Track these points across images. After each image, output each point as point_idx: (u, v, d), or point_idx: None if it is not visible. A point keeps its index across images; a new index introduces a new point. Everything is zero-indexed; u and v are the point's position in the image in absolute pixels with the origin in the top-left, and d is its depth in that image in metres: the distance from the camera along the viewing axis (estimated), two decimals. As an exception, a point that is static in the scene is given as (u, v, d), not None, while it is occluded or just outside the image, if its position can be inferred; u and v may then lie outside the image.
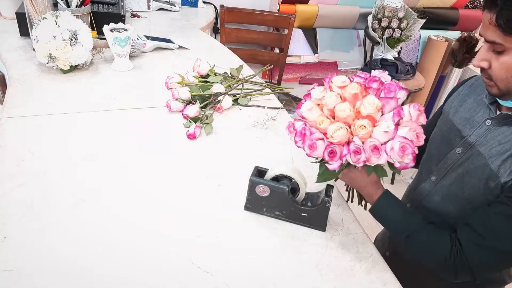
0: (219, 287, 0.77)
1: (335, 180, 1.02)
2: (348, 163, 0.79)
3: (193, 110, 1.24)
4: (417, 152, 0.75)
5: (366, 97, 0.76)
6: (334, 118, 0.78)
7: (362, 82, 0.79)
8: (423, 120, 0.78)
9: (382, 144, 0.75)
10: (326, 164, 0.79)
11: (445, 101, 1.01)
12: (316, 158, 0.84)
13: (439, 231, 0.83)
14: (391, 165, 0.78)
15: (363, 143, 0.76)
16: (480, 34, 0.76)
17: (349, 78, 0.81)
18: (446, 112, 0.96)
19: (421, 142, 0.77)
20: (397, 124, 0.75)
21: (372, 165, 0.77)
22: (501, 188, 0.79)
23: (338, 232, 0.92)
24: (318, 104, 0.80)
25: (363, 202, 0.98)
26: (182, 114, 1.25)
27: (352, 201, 1.01)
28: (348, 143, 0.77)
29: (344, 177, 0.90)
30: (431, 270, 0.86)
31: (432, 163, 0.96)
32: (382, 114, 0.77)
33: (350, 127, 0.76)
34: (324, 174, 0.83)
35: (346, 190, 1.01)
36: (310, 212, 0.90)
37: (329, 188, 0.91)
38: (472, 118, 0.88)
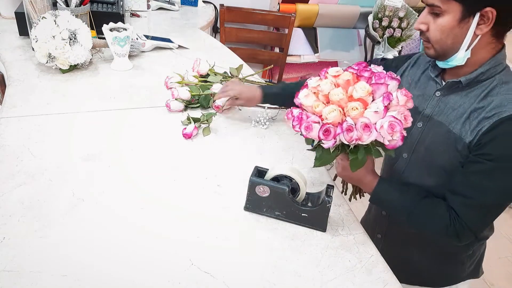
0: (218, 287, 0.77)
1: (334, 179, 1.05)
2: (342, 147, 0.84)
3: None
4: (405, 134, 0.81)
5: (358, 83, 0.83)
6: (328, 104, 0.83)
7: (354, 72, 0.85)
8: (410, 105, 0.84)
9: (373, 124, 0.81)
10: (321, 144, 0.83)
11: None
12: (312, 144, 0.89)
13: (434, 203, 0.90)
14: (383, 147, 0.83)
15: (355, 124, 0.81)
16: (422, 0, 0.85)
17: (343, 69, 0.86)
18: None
19: (409, 124, 0.82)
20: (386, 108, 0.80)
21: (365, 147, 0.82)
22: (467, 148, 0.86)
23: (338, 233, 0.92)
24: (315, 92, 0.85)
25: (357, 196, 1.04)
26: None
27: (345, 194, 1.06)
28: (341, 124, 0.81)
29: (342, 171, 0.95)
30: (434, 240, 0.98)
31: None
32: (373, 100, 0.83)
33: (343, 110, 0.81)
34: (321, 157, 0.88)
35: (342, 183, 1.06)
36: (310, 213, 0.90)
37: (329, 188, 0.91)
38: (423, 94, 0.96)
